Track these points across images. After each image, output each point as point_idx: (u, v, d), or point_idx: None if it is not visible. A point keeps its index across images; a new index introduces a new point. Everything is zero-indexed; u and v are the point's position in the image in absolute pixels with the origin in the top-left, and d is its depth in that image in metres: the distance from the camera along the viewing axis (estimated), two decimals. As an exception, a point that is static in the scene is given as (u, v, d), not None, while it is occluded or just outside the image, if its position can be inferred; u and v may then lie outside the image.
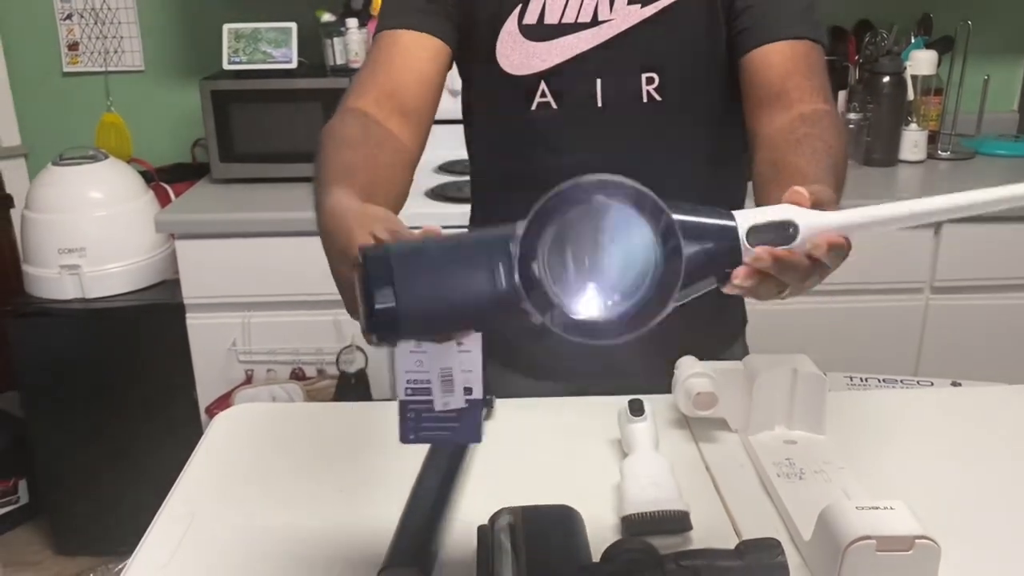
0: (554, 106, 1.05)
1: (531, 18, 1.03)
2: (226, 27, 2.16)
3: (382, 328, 0.58)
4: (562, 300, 0.59)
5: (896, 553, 0.72)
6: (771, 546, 0.70)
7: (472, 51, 1.06)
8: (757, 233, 0.61)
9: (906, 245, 1.99)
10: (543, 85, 1.04)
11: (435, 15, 1.03)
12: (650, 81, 1.03)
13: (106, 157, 2.17)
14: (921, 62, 2.20)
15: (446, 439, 0.64)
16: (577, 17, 1.02)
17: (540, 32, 1.03)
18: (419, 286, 0.58)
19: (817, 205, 0.64)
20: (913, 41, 2.27)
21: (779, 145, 0.89)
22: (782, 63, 0.98)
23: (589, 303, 0.59)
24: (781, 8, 1.00)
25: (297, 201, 2.00)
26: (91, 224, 2.09)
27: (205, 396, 2.04)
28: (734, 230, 0.61)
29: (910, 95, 2.21)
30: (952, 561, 0.73)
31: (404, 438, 0.64)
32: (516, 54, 1.04)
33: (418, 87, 1.01)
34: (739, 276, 0.61)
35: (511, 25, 1.03)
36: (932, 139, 2.28)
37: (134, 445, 2.15)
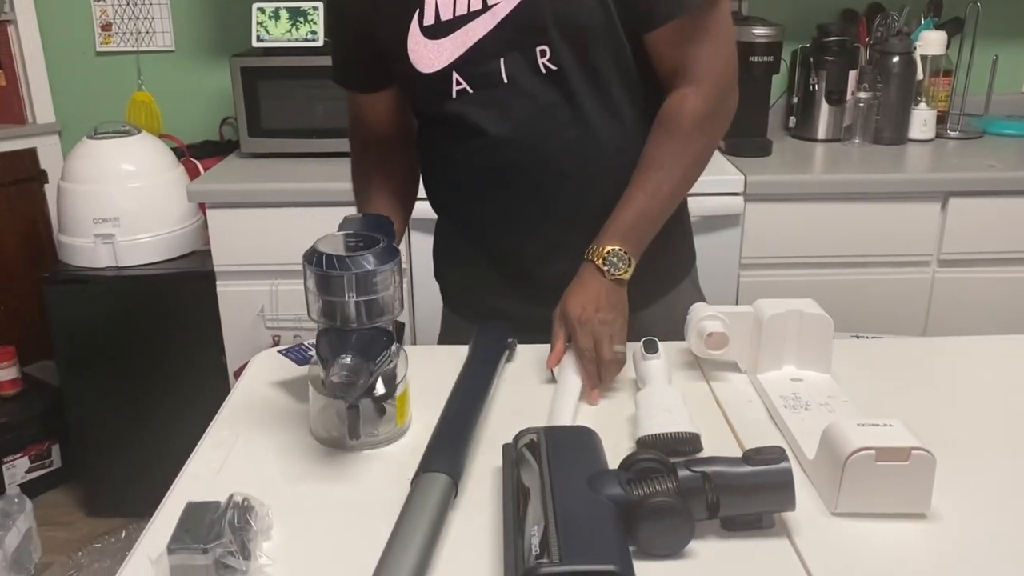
0: (470, 91, 1.11)
1: (429, 19, 1.09)
2: (255, 6, 2.23)
3: None
4: None
5: (894, 463, 0.77)
6: (776, 452, 0.76)
7: (391, 65, 1.14)
8: None
9: (914, 218, 2.04)
10: (455, 75, 1.10)
11: (353, 65, 1.21)
12: (543, 54, 1.08)
13: (139, 132, 2.24)
14: (931, 43, 2.25)
15: None
16: (469, 7, 1.07)
17: (440, 30, 1.09)
18: None
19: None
20: (923, 22, 2.31)
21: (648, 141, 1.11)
22: (670, 44, 1.08)
23: None
24: None
25: (323, 173, 2.06)
26: (124, 195, 2.16)
27: (234, 361, 2.11)
28: None
29: (919, 75, 2.25)
30: (947, 478, 0.79)
31: None
32: (426, 54, 1.10)
33: (387, 127, 1.24)
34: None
35: (414, 30, 1.10)
36: (941, 119, 2.32)
37: (164, 409, 2.23)
